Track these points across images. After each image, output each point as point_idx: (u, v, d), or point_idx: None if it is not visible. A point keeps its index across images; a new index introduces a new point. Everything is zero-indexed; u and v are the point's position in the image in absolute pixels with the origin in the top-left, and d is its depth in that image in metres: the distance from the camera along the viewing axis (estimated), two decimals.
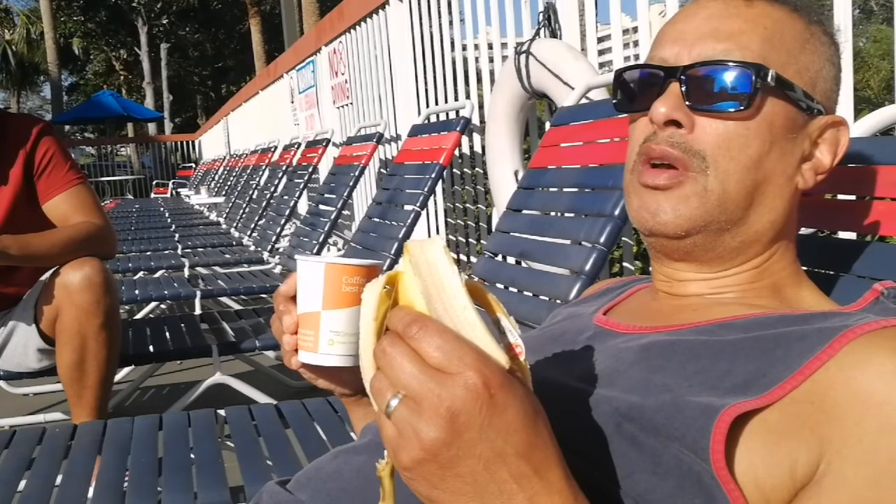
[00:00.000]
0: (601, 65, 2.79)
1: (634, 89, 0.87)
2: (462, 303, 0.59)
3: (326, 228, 3.93)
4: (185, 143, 19.22)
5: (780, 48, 0.81)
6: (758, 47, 0.80)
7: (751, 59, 0.79)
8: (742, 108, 0.78)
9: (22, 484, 1.50)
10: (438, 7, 3.87)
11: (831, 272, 1.03)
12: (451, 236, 4.12)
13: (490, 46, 3.49)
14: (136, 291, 3.48)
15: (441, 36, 3.94)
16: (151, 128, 28.05)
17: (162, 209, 9.37)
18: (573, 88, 2.35)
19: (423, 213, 3.17)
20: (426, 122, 3.72)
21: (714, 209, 0.80)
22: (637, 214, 0.84)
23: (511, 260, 2.23)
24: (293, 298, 0.87)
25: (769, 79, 0.79)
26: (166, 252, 4.93)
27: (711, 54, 0.80)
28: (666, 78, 0.82)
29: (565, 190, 2.05)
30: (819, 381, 0.64)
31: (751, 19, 0.81)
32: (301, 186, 5.03)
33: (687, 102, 0.80)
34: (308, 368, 0.91)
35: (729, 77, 0.78)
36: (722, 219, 0.81)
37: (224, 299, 4.10)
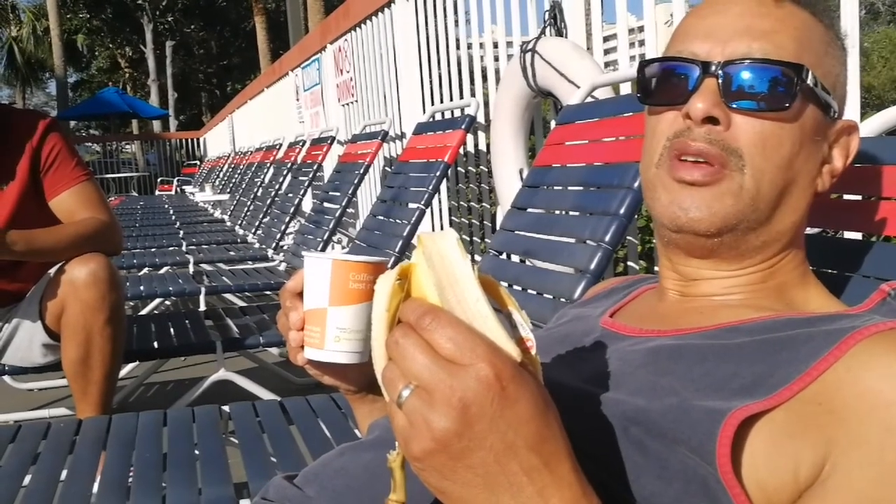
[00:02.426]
0: (607, 64, 2.78)
1: (663, 82, 0.85)
2: (475, 295, 0.59)
3: (331, 226, 3.93)
4: (189, 140, 19.22)
5: (811, 50, 0.80)
6: (793, 48, 0.79)
7: (787, 59, 0.79)
8: (784, 107, 0.78)
9: (27, 479, 1.51)
10: (444, 5, 3.87)
11: (837, 272, 1.03)
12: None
13: (495, 45, 3.48)
14: (141, 288, 3.48)
15: (446, 34, 3.93)
16: (156, 125, 28.08)
17: (166, 206, 9.39)
18: (579, 87, 2.35)
19: (428, 211, 3.17)
20: (431, 120, 3.72)
21: (747, 208, 0.79)
22: (667, 210, 0.82)
23: (515, 258, 2.23)
24: (300, 295, 0.87)
25: (808, 80, 0.79)
26: (171, 249, 4.94)
27: (747, 51, 0.79)
28: (702, 73, 0.80)
29: (570, 188, 2.05)
30: (826, 383, 0.64)
31: (782, 19, 0.80)
32: (306, 184, 5.03)
33: (724, 99, 0.79)
34: (314, 365, 0.90)
35: (770, 76, 0.78)
36: (752, 218, 0.80)
37: (228, 296, 4.11)
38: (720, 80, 0.79)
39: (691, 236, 0.82)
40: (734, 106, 0.79)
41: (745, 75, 0.78)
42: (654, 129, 0.84)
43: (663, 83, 0.85)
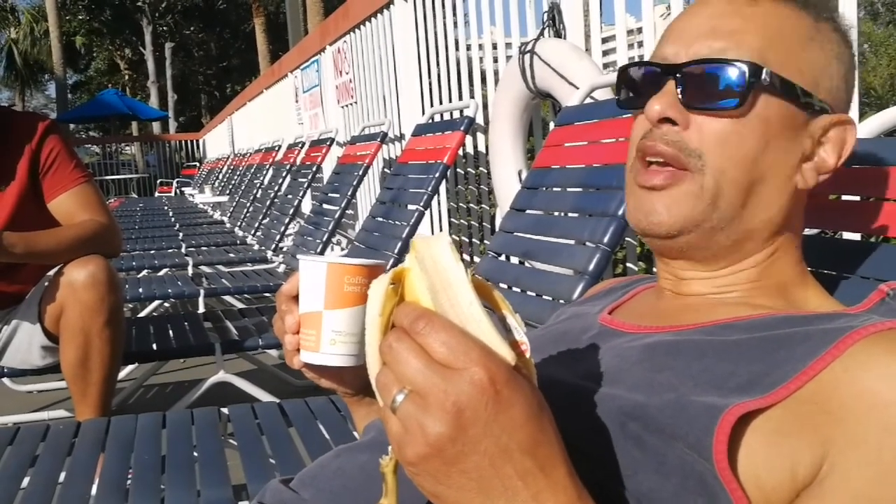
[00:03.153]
0: (605, 65, 2.78)
1: (635, 87, 0.87)
2: (468, 299, 0.59)
3: (330, 227, 3.93)
4: (189, 142, 19.22)
5: (780, 46, 0.80)
6: (756, 45, 0.79)
7: (747, 57, 0.78)
8: (735, 105, 0.78)
9: (25, 481, 1.51)
10: (443, 7, 3.87)
11: (836, 273, 1.03)
12: (454, 236, 4.11)
13: (494, 46, 3.49)
14: (140, 290, 3.48)
15: (445, 35, 3.93)
16: (156, 127, 28.08)
17: (166, 208, 9.39)
18: (577, 88, 2.35)
19: (427, 212, 3.17)
20: (430, 121, 3.72)
21: (708, 208, 0.80)
22: (632, 216, 0.85)
23: (514, 260, 2.23)
24: (295, 298, 0.87)
25: (763, 77, 0.78)
26: (170, 250, 4.94)
27: (708, 53, 0.80)
28: (663, 75, 0.82)
29: (569, 190, 2.05)
30: (823, 382, 0.64)
31: (751, 18, 0.81)
32: (305, 185, 5.03)
33: (682, 100, 0.80)
34: (310, 368, 0.91)
35: (722, 75, 0.78)
36: (716, 217, 0.80)
37: (227, 298, 4.10)
38: (678, 82, 0.80)
39: (657, 240, 0.83)
40: (691, 106, 0.80)
41: (700, 76, 0.79)
42: (632, 133, 0.87)
43: (635, 88, 0.87)
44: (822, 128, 0.82)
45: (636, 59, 0.95)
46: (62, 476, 1.52)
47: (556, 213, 2.08)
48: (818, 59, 0.81)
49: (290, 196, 5.25)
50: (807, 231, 1.09)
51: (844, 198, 1.13)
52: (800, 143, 0.82)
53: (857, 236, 1.19)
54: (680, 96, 0.80)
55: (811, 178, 0.83)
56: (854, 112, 1.78)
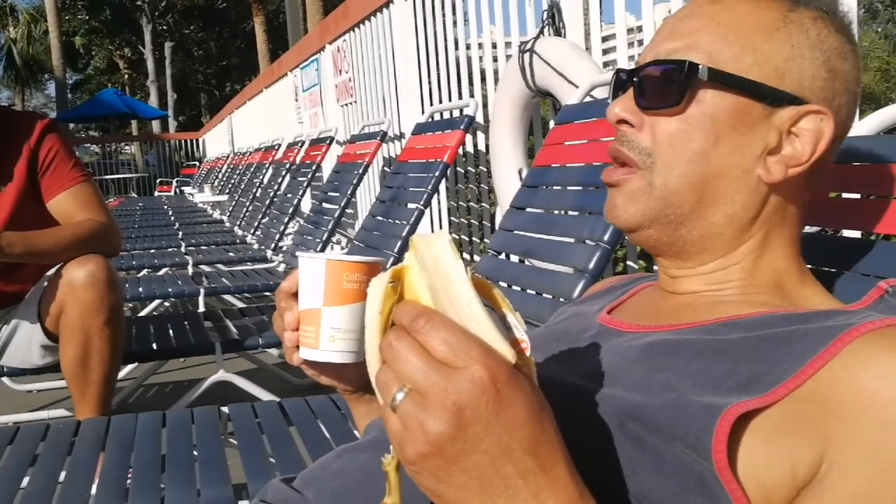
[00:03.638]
0: (605, 64, 2.78)
1: (615, 91, 0.90)
2: (468, 297, 0.58)
3: (330, 226, 3.93)
4: (188, 141, 19.21)
5: (734, 42, 0.80)
6: (707, 44, 0.81)
7: (695, 55, 0.80)
8: (676, 104, 0.80)
9: (25, 480, 1.51)
10: (443, 5, 3.87)
11: (836, 270, 1.03)
12: (454, 234, 4.11)
13: (494, 45, 3.48)
14: (140, 289, 3.48)
15: (445, 34, 3.93)
16: (155, 126, 28.07)
17: (166, 207, 9.39)
18: (577, 87, 2.35)
19: (427, 211, 3.17)
20: (430, 120, 3.72)
21: (659, 203, 0.82)
22: (604, 213, 0.89)
23: (515, 258, 2.23)
24: (294, 295, 0.87)
25: (699, 74, 0.79)
26: (170, 250, 4.94)
27: (664, 55, 0.83)
28: (629, 80, 0.85)
29: (569, 188, 2.05)
30: (822, 380, 0.64)
31: (708, 16, 0.82)
32: (305, 184, 5.03)
33: (637, 102, 0.84)
34: (310, 365, 0.91)
35: (665, 76, 0.81)
36: (669, 213, 0.82)
37: (227, 297, 4.10)
38: (635, 86, 0.84)
39: (629, 234, 0.87)
40: (645, 107, 0.83)
41: (651, 78, 0.82)
42: None
43: (615, 92, 0.90)
44: (789, 119, 0.81)
45: (636, 58, 0.95)
46: (62, 475, 1.52)
47: (557, 212, 2.07)
48: (782, 51, 0.80)
49: (289, 195, 5.25)
50: (807, 229, 1.09)
51: (845, 195, 1.13)
52: (760, 137, 0.81)
53: (857, 234, 1.19)
54: (636, 99, 0.84)
55: (778, 172, 0.81)
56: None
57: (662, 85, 0.81)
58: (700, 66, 0.79)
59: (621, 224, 0.86)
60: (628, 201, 0.84)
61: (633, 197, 0.84)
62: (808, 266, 0.89)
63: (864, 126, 1.20)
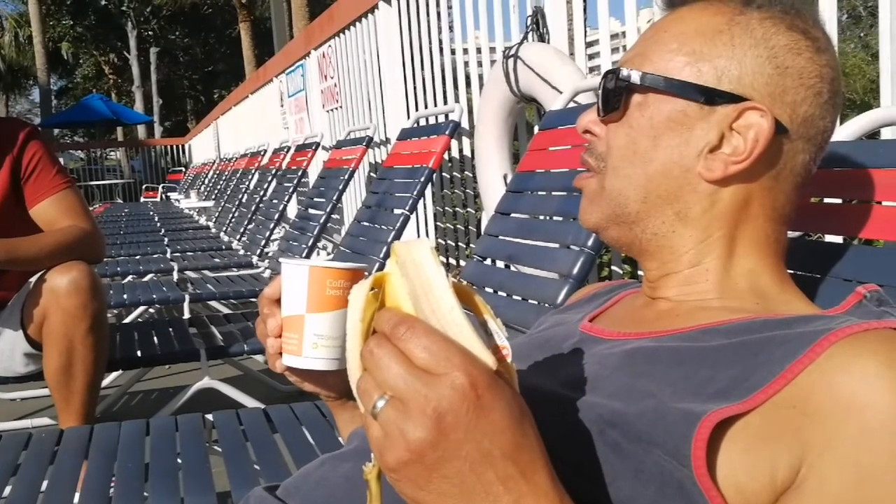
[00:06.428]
0: (591, 69, 2.79)
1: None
2: (449, 304, 0.58)
3: (316, 232, 3.92)
4: (174, 146, 19.13)
5: (676, 48, 0.84)
6: (652, 52, 0.85)
7: (640, 64, 0.85)
8: (614, 110, 0.86)
9: (7, 490, 1.49)
10: (428, 11, 3.88)
11: (817, 275, 1.03)
12: (440, 240, 4.11)
13: (479, 51, 3.49)
14: (125, 295, 3.46)
15: (430, 40, 3.94)
16: (141, 131, 27.97)
17: (151, 213, 9.35)
18: (561, 92, 2.36)
19: (413, 216, 3.17)
20: (415, 125, 3.72)
21: (609, 204, 0.86)
22: None
23: (500, 263, 2.23)
24: (278, 301, 0.87)
25: (632, 79, 0.84)
26: (155, 256, 4.92)
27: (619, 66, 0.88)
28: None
29: (553, 193, 2.05)
30: (801, 386, 0.64)
31: (659, 27, 0.87)
32: (290, 190, 5.02)
33: (599, 111, 0.88)
34: (293, 372, 0.90)
35: (608, 85, 0.86)
36: (619, 212, 0.86)
37: (213, 303, 4.08)
38: (598, 96, 0.88)
39: (597, 234, 0.92)
40: (601, 117, 0.88)
41: (603, 89, 0.87)
42: None
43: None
44: (727, 116, 0.81)
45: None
46: (44, 485, 1.50)
47: (541, 217, 2.08)
48: (721, 51, 0.82)
49: (275, 201, 5.23)
50: (790, 234, 1.09)
51: (827, 200, 1.13)
52: (699, 135, 0.82)
53: (839, 239, 1.19)
54: (598, 109, 0.89)
55: (718, 168, 0.82)
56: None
57: (609, 94, 0.86)
58: (633, 73, 0.84)
59: (587, 226, 0.90)
60: (588, 204, 0.89)
61: (591, 199, 0.89)
62: (790, 271, 0.89)
63: (846, 131, 1.20)
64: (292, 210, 5.80)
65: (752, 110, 0.81)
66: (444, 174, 4.00)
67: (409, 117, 4.14)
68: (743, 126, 0.81)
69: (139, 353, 2.59)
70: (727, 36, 0.82)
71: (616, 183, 0.86)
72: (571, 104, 2.26)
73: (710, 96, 0.81)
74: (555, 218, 2.00)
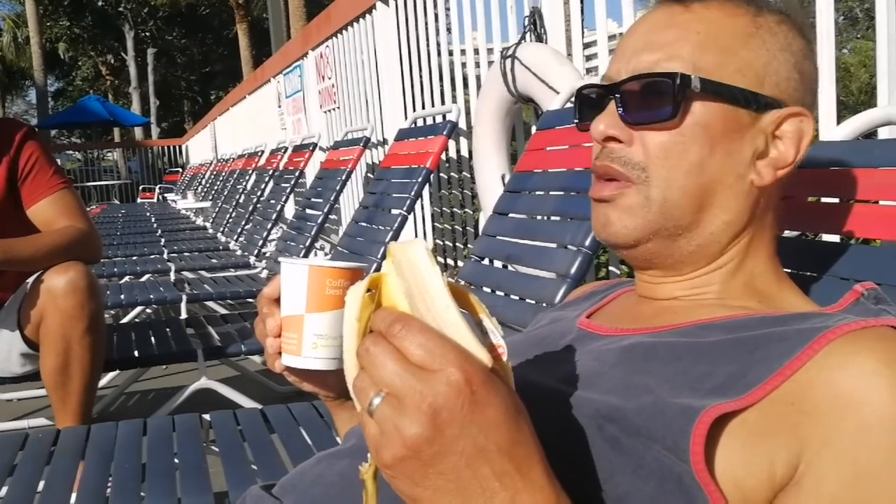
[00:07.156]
0: (588, 70, 2.79)
1: (588, 107, 0.90)
2: (444, 303, 0.59)
3: (313, 233, 3.92)
4: (171, 147, 19.12)
5: (714, 50, 0.80)
6: (688, 53, 0.80)
7: (679, 66, 0.80)
8: (670, 117, 0.79)
9: (3, 490, 1.49)
10: (425, 12, 3.88)
11: (815, 274, 1.03)
12: (438, 240, 4.11)
13: (476, 51, 3.49)
14: (122, 296, 3.46)
15: (428, 40, 3.94)
16: (138, 132, 27.94)
17: (148, 214, 9.34)
18: (558, 92, 2.36)
19: (410, 217, 3.16)
20: (413, 126, 3.72)
21: (658, 217, 0.81)
22: (594, 229, 0.87)
23: (498, 263, 2.23)
24: (277, 301, 0.87)
25: (692, 85, 0.79)
26: (152, 256, 4.91)
27: (644, 67, 0.82)
28: (605, 95, 0.85)
29: (551, 193, 2.06)
30: (799, 382, 0.64)
31: (684, 25, 0.82)
32: (288, 191, 5.02)
33: (623, 117, 0.82)
34: (292, 371, 0.90)
35: (654, 88, 0.80)
36: (669, 225, 0.82)
37: (210, 304, 4.08)
38: (617, 101, 0.82)
39: (622, 250, 0.86)
40: (632, 122, 0.82)
41: (636, 92, 0.81)
42: (592, 152, 0.88)
43: (585, 108, 0.90)
44: (773, 123, 0.82)
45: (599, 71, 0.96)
46: (41, 485, 1.50)
47: (539, 217, 2.08)
48: (760, 56, 0.81)
49: (272, 201, 5.23)
50: (787, 233, 1.09)
51: (824, 200, 1.13)
52: (749, 142, 0.81)
53: (836, 238, 1.19)
54: (621, 114, 0.82)
55: (768, 175, 0.82)
56: (831, 118, 1.79)
57: (652, 98, 0.80)
58: (692, 77, 0.79)
59: (619, 240, 0.84)
60: (626, 216, 0.83)
61: (630, 212, 0.82)
62: (788, 270, 0.90)
63: (843, 130, 1.21)
64: (290, 211, 5.80)
65: (794, 116, 0.82)
66: (441, 175, 4.00)
67: (406, 118, 4.14)
68: (787, 132, 0.82)
69: (136, 354, 2.59)
70: (759, 39, 0.81)
71: (669, 194, 0.81)
72: (569, 104, 2.26)
73: (760, 102, 0.81)
74: (552, 218, 2.00)
